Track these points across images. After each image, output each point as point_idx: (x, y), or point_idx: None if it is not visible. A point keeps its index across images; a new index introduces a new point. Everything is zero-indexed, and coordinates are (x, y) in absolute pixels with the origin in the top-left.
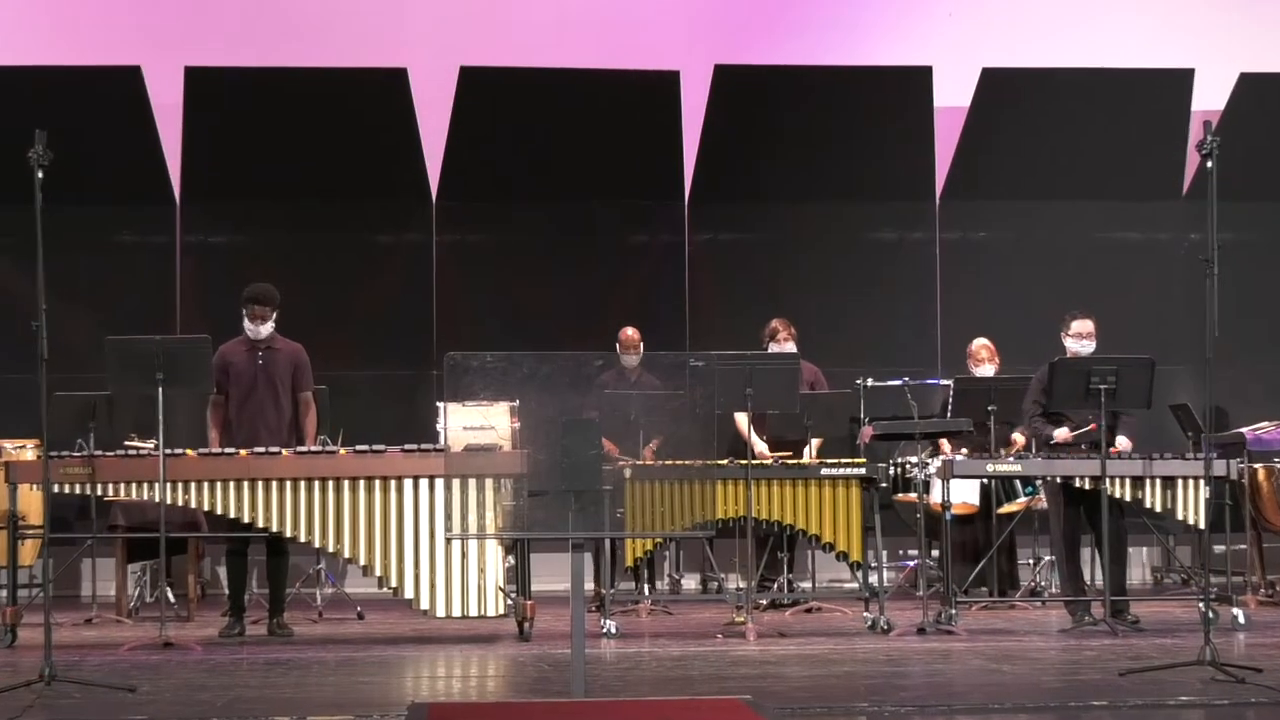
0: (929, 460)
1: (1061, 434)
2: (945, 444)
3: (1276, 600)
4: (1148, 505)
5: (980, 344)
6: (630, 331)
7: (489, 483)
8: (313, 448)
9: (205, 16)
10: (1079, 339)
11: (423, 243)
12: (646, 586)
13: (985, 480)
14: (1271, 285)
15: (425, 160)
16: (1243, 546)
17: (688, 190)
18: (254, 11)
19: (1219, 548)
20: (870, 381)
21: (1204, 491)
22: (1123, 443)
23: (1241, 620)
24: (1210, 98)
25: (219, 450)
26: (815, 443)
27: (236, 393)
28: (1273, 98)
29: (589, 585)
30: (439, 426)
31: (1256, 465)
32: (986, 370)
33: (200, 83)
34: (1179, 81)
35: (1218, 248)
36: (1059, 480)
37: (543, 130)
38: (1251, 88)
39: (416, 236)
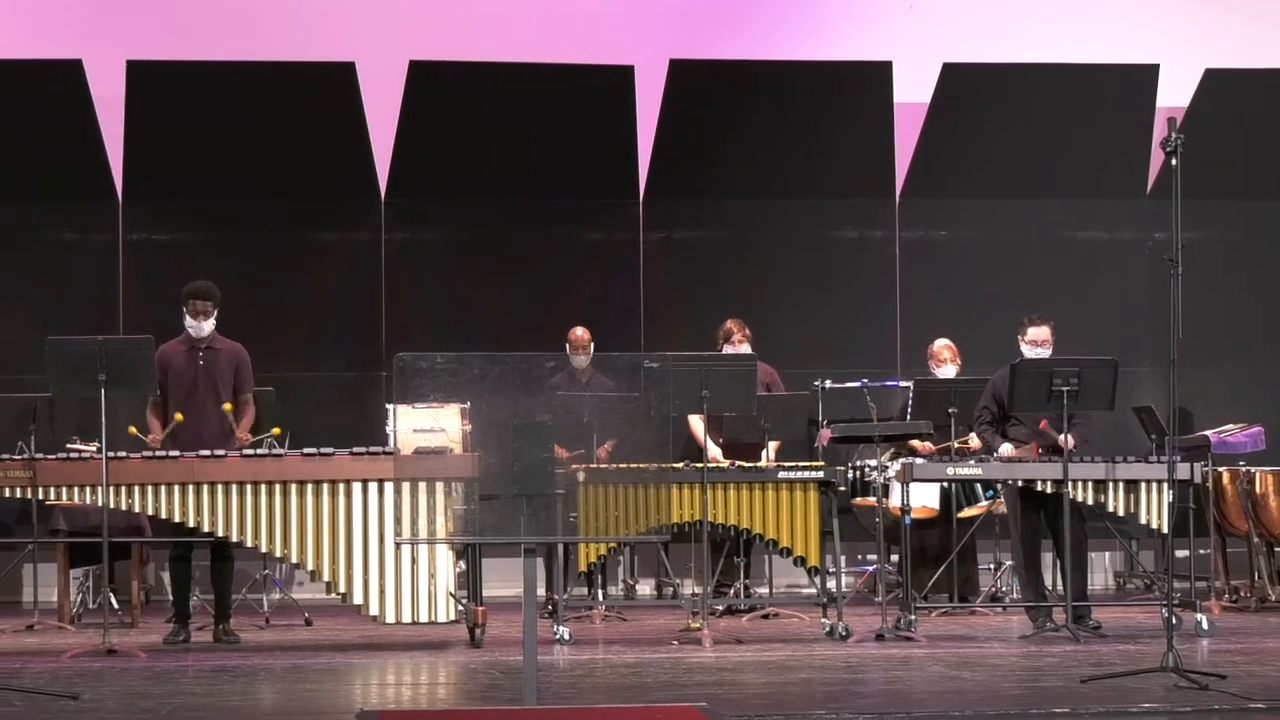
0: (888, 464)
1: (1006, 450)
2: (919, 445)
3: (1241, 606)
4: (1110, 509)
5: (942, 344)
6: (580, 331)
7: (439, 486)
8: (258, 450)
9: (148, 9)
10: (1034, 345)
11: (371, 241)
12: (600, 592)
13: (945, 484)
14: (1236, 285)
15: (374, 156)
16: (1207, 551)
17: (642, 187)
18: (199, 4)
19: (1182, 552)
20: (828, 383)
21: (1167, 495)
22: (1064, 439)
23: (1205, 626)
24: (1175, 94)
25: (163, 453)
26: (772, 446)
27: (176, 394)
28: (1238, 94)
29: (541, 591)
30: (388, 429)
31: (1221, 469)
32: (948, 371)
33: (143, 77)
34: (1143, 78)
35: (1182, 247)
36: (1018, 484)
37: (494, 126)
38: (1217, 84)
39: (365, 234)
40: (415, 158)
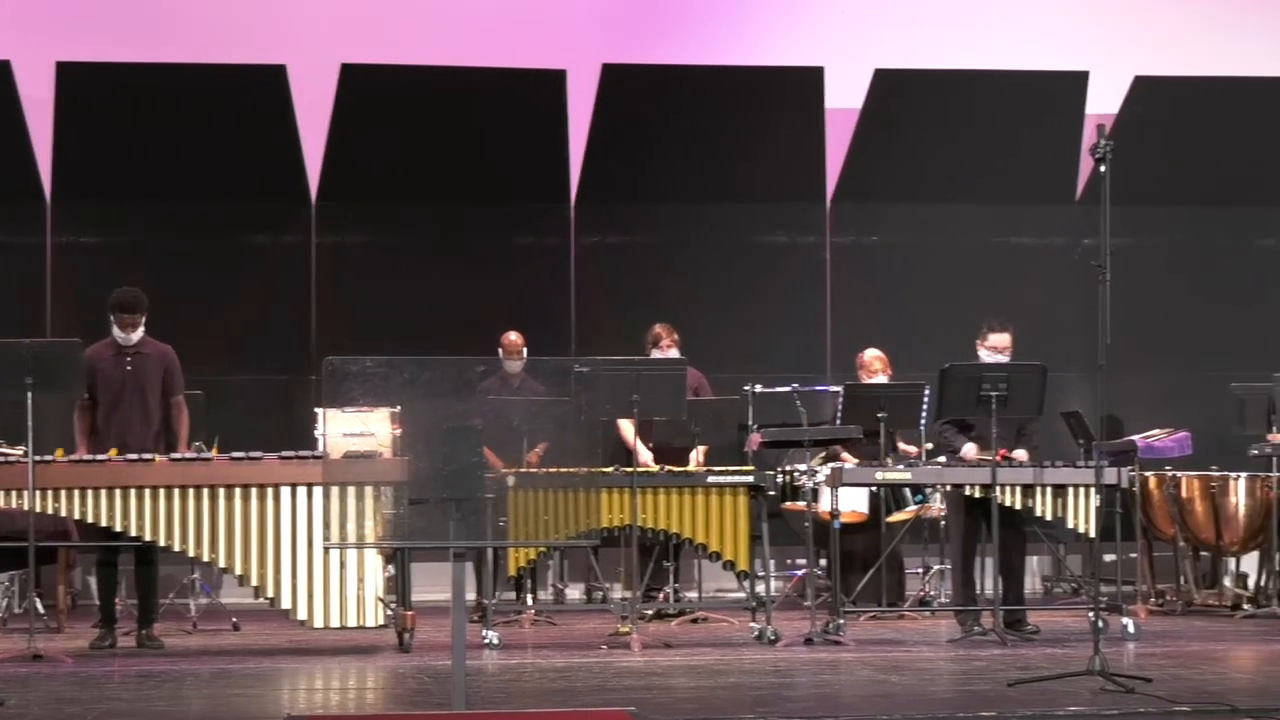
0: (818, 468)
1: (969, 451)
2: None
3: (1167, 609)
4: (1039, 514)
5: (873, 355)
6: (513, 336)
7: (368, 490)
8: (187, 454)
9: (78, 10)
10: (994, 352)
11: (301, 244)
12: (529, 597)
13: (874, 489)
14: (1165, 291)
15: (304, 159)
16: (1134, 555)
17: (574, 192)
18: (129, 5)
19: (1109, 556)
20: (758, 388)
21: (1095, 500)
22: (1019, 454)
23: (1131, 630)
24: (1104, 101)
25: (90, 456)
26: (701, 450)
27: (104, 398)
28: (1167, 101)
29: (470, 595)
30: (317, 433)
31: (1148, 473)
32: (879, 382)
33: (72, 78)
34: (1073, 84)
35: (1110, 253)
36: (950, 489)
37: (425, 129)
38: (1146, 91)
39: (295, 238)
40: (346, 161)
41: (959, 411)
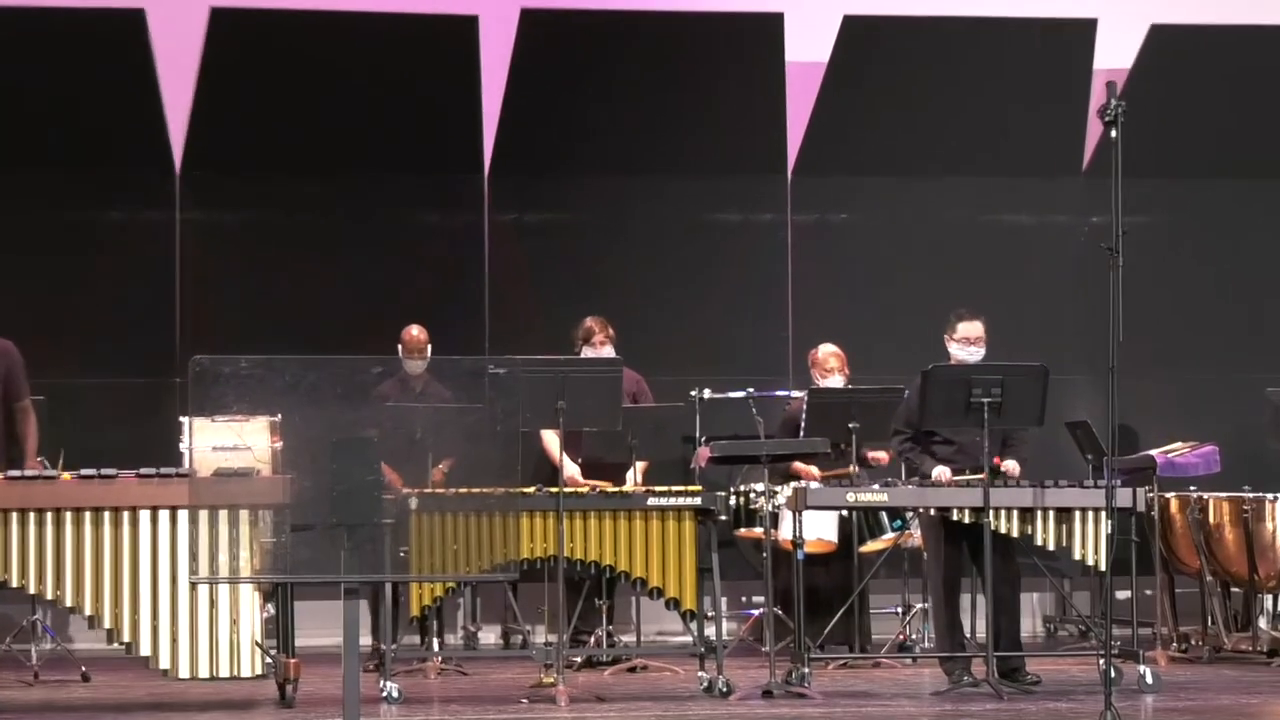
0: (777, 488)
1: (940, 474)
2: (803, 469)
3: (1191, 656)
4: (1039, 542)
5: (828, 351)
6: (414, 331)
7: (244, 515)
8: (27, 471)
9: None
10: (966, 344)
11: (164, 221)
12: (435, 641)
13: (845, 513)
14: (1188, 279)
15: (167, 121)
16: (1151, 592)
17: (488, 160)
18: None
19: (1123, 593)
20: (707, 393)
21: (1105, 526)
22: (1010, 466)
23: (1150, 680)
24: (1115, 54)
25: None
26: (640, 466)
27: None
28: (1188, 54)
29: (365, 639)
30: (182, 446)
31: (1168, 494)
32: (835, 382)
33: None
34: (1079, 34)
35: (1124, 233)
36: (934, 513)
37: (311, 86)
38: (1164, 42)
39: (156, 214)
40: (217, 124)
41: (945, 421)
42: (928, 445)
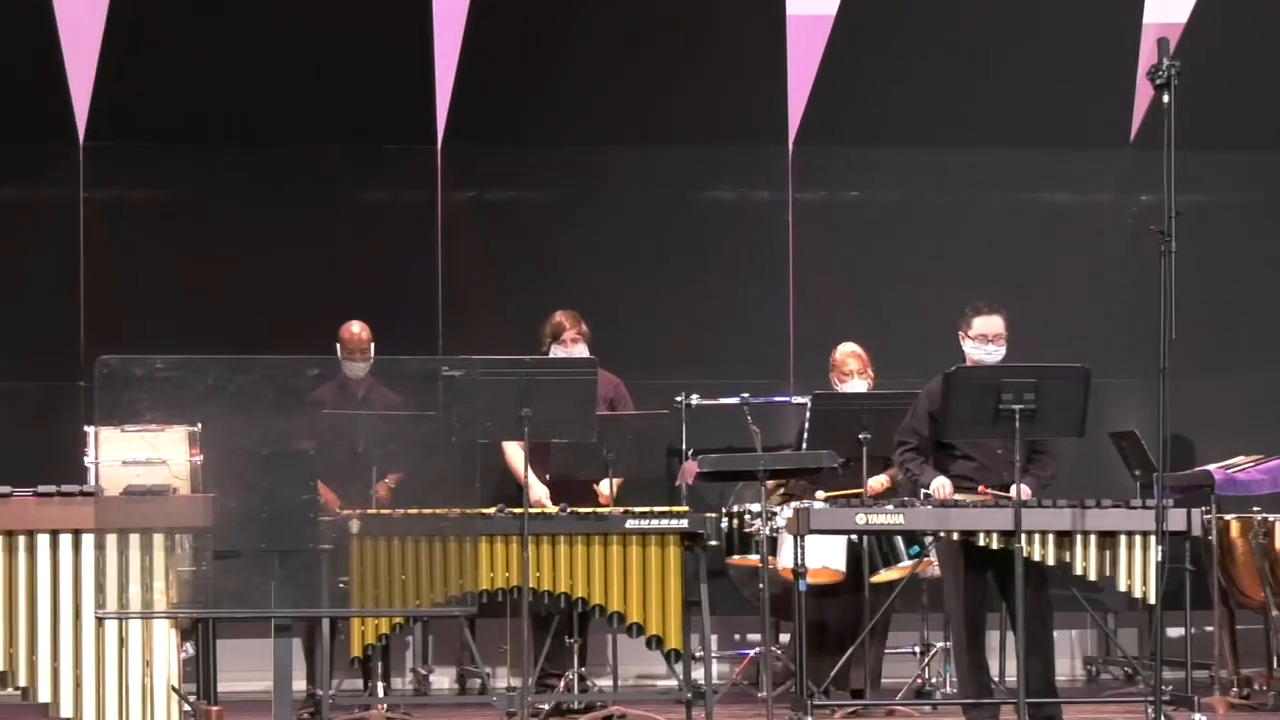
0: (776, 509)
1: (939, 486)
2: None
3: (1255, 703)
4: (1078, 571)
5: (847, 351)
6: (356, 328)
7: (157, 540)
8: None
9: None
10: (983, 342)
11: (66, 198)
12: (380, 685)
13: (854, 537)
14: (1249, 266)
15: (70, 85)
16: (1210, 629)
17: (440, 130)
18: None
19: (1176, 630)
20: (695, 398)
21: (1155, 553)
22: (1021, 488)
23: None
24: (1168, 6)
25: None
26: (616, 483)
27: None
28: (1251, 8)
29: (300, 684)
30: (88, 461)
31: (1228, 516)
32: (856, 386)
33: None
34: None
35: (1177, 214)
36: (956, 537)
37: (235, 48)
38: None
39: (56, 191)
40: (127, 90)
41: (970, 431)
42: (942, 461)
